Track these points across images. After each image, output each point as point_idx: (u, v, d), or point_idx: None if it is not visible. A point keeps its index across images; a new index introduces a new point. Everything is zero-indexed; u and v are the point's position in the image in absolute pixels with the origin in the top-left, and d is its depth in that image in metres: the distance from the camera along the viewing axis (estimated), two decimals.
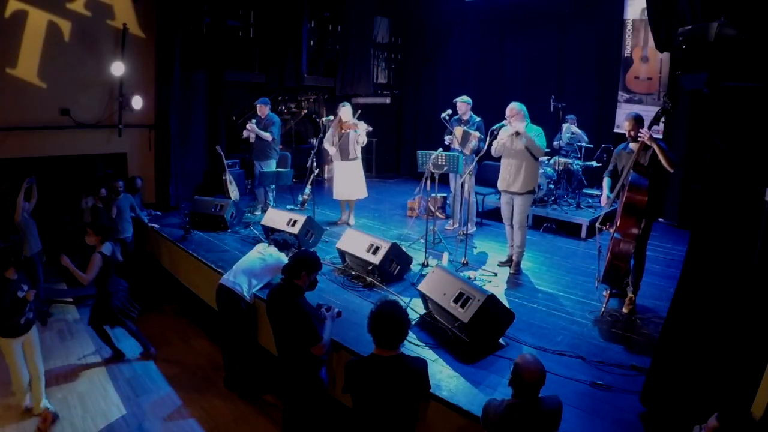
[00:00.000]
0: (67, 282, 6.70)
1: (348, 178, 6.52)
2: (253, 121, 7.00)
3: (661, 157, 3.81)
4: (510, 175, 4.92)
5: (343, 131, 6.39)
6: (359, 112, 6.51)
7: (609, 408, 2.88)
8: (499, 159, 5.13)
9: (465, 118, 6.11)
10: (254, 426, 4.07)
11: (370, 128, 6.51)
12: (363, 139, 6.45)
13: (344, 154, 6.44)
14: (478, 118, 6.07)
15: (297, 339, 3.13)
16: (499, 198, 5.20)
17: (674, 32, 2.94)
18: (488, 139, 5.01)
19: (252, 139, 7.01)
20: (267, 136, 6.89)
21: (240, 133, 7.21)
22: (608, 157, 6.97)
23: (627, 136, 4.10)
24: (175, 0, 7.24)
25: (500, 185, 5.05)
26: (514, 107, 4.85)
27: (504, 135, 4.91)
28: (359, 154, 6.55)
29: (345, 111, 6.37)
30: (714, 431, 2.05)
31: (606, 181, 4.39)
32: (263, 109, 7.02)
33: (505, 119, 4.86)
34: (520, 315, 4.04)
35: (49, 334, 5.47)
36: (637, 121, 3.99)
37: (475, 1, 9.28)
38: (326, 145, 6.50)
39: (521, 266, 5.13)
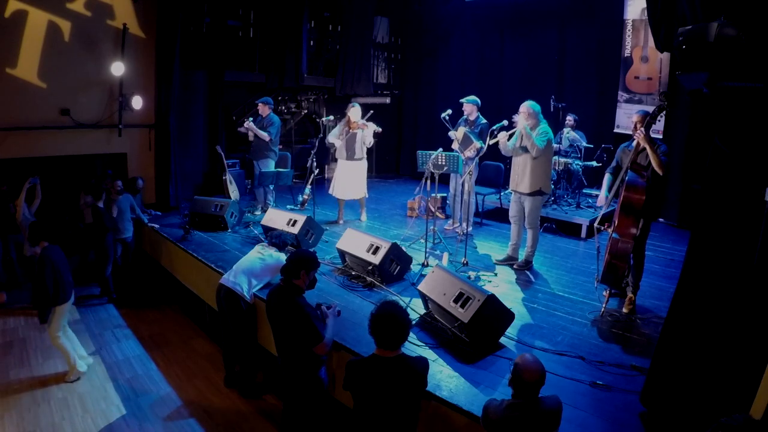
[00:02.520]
0: None
1: (350, 178, 6.56)
2: (250, 119, 6.99)
3: (652, 159, 3.82)
4: (517, 175, 4.95)
5: (351, 130, 6.44)
6: (371, 112, 6.54)
7: (609, 408, 2.88)
8: (503, 159, 5.13)
9: (471, 118, 6.08)
10: (254, 426, 4.07)
11: (380, 129, 6.53)
12: (369, 140, 6.50)
13: (350, 154, 6.49)
14: (484, 121, 5.99)
15: (298, 339, 3.13)
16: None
17: (674, 32, 2.94)
18: (488, 138, 5.01)
19: (251, 138, 7.02)
20: (264, 135, 6.82)
21: (237, 129, 7.20)
22: (608, 157, 6.99)
23: (633, 129, 4.08)
24: (175, 0, 7.24)
25: (510, 184, 5.10)
26: (525, 105, 4.86)
27: (502, 137, 4.92)
28: (365, 155, 6.58)
29: (354, 111, 6.43)
30: None
31: (606, 179, 4.37)
32: (264, 109, 7.01)
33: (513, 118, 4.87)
34: (520, 315, 4.05)
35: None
36: (646, 118, 3.99)
37: (475, 0, 9.28)
38: (332, 139, 6.52)
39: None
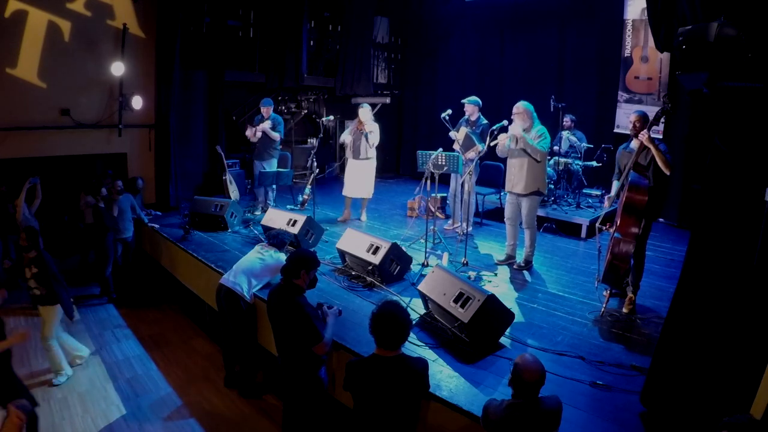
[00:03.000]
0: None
1: (357, 177, 6.64)
2: (268, 123, 7.01)
3: (657, 159, 3.82)
4: (513, 176, 4.93)
5: (358, 130, 6.55)
6: (380, 104, 6.62)
7: (609, 408, 2.88)
8: (503, 159, 5.13)
9: (473, 119, 6.07)
10: (254, 426, 4.07)
11: (372, 130, 6.59)
12: (372, 141, 6.55)
13: (355, 153, 6.62)
14: (486, 121, 5.97)
15: (298, 339, 3.13)
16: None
17: (674, 32, 2.94)
18: (488, 139, 5.01)
19: (254, 140, 7.03)
20: (276, 136, 7.00)
21: (242, 133, 7.22)
22: (608, 157, 6.99)
23: (632, 128, 4.07)
24: (175, 0, 7.24)
25: (506, 186, 5.09)
26: (518, 106, 4.85)
27: (502, 138, 4.92)
28: (371, 155, 6.64)
29: (362, 112, 6.55)
30: None
31: (615, 186, 4.36)
32: (267, 111, 7.06)
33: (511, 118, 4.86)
34: (520, 315, 4.05)
35: None
36: (644, 119, 3.98)
37: (475, 0, 9.28)
38: (342, 137, 6.81)
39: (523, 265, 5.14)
